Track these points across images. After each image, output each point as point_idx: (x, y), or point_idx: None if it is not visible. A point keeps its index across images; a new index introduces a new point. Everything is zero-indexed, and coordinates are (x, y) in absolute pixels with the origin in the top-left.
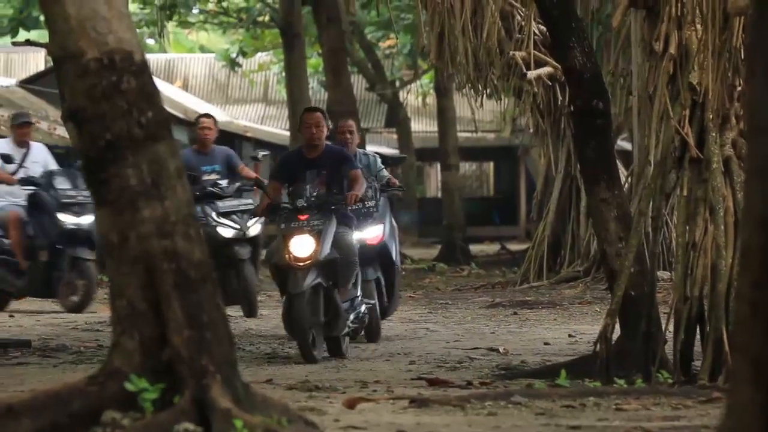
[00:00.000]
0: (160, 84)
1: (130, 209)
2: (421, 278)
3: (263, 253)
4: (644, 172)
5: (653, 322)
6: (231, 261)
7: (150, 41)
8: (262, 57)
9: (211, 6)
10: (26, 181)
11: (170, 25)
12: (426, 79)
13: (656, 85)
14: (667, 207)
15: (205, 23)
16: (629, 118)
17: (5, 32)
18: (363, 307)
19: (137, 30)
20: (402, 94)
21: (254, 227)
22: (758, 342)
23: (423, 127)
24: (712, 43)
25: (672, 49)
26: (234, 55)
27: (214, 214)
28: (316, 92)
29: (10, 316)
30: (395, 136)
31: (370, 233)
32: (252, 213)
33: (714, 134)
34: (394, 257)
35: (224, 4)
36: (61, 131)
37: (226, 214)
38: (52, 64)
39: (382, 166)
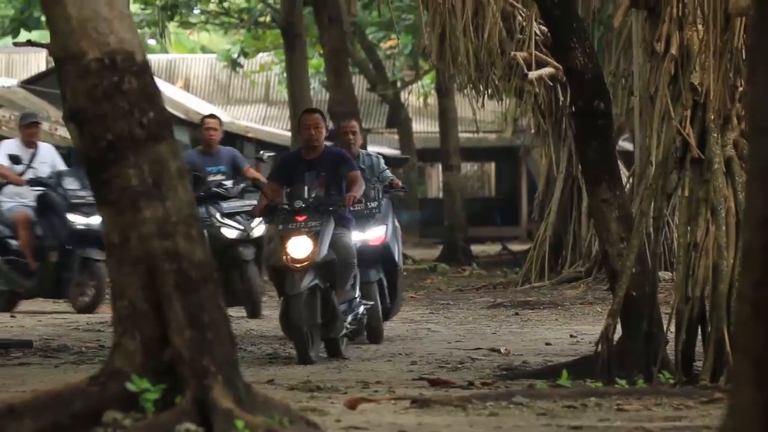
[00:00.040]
0: (162, 84)
1: (131, 210)
2: (423, 279)
3: None
4: (646, 172)
5: (655, 323)
6: (235, 262)
7: (151, 42)
8: (263, 57)
9: (212, 6)
10: (35, 182)
11: (171, 26)
12: (427, 80)
13: (658, 86)
14: (668, 207)
15: (206, 24)
16: (630, 118)
17: (7, 33)
18: (361, 309)
19: (138, 30)
20: (403, 95)
21: (258, 228)
22: (760, 342)
23: (424, 127)
24: (714, 43)
25: (673, 50)
26: (235, 56)
27: (218, 215)
28: (318, 93)
29: (12, 316)
30: (396, 137)
31: (373, 234)
32: (250, 214)
33: (715, 135)
34: (396, 258)
35: (225, 4)
36: (63, 132)
37: (230, 215)
38: (53, 64)
39: (386, 167)
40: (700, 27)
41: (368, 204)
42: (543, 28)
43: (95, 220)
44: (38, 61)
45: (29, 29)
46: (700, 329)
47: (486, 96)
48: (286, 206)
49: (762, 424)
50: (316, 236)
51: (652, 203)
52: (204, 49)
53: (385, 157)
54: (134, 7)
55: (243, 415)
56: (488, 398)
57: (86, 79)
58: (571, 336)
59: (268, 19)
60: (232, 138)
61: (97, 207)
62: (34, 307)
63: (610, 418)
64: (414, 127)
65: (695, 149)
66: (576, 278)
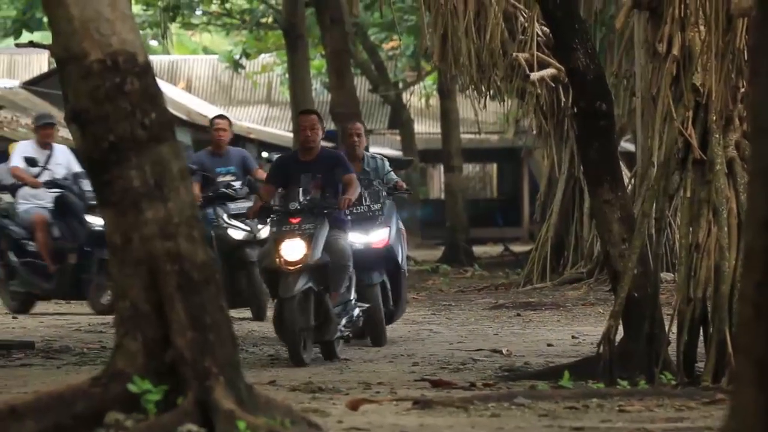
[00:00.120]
0: (164, 85)
1: (133, 211)
2: (425, 280)
3: None
4: (647, 173)
5: (656, 324)
6: (241, 263)
7: (153, 43)
8: (265, 58)
9: (214, 7)
10: (51, 184)
11: (173, 27)
12: (429, 81)
13: (659, 87)
14: (670, 208)
15: (208, 25)
16: (632, 119)
17: (9, 33)
18: (356, 311)
19: (140, 31)
20: (405, 96)
21: (265, 229)
22: (762, 343)
23: (426, 128)
24: (716, 44)
25: (675, 51)
26: (237, 57)
27: (225, 216)
28: (319, 94)
29: (14, 317)
30: (398, 138)
31: (376, 236)
32: (244, 215)
33: (717, 136)
34: (400, 261)
35: (227, 5)
36: (65, 133)
37: (237, 216)
38: (55, 65)
39: (390, 169)
40: (702, 28)
41: (371, 206)
42: (545, 29)
43: None
44: (40, 62)
45: (31, 30)
46: (701, 330)
47: (488, 97)
48: (280, 208)
49: (764, 425)
50: (310, 239)
51: (654, 204)
52: (206, 50)
53: (388, 159)
54: (136, 8)
55: (245, 416)
56: (490, 399)
57: (88, 80)
58: (573, 337)
59: (270, 20)
60: (234, 139)
61: (99, 208)
62: (35, 308)
63: (612, 419)
64: (416, 128)
65: (697, 150)
66: (578, 279)
